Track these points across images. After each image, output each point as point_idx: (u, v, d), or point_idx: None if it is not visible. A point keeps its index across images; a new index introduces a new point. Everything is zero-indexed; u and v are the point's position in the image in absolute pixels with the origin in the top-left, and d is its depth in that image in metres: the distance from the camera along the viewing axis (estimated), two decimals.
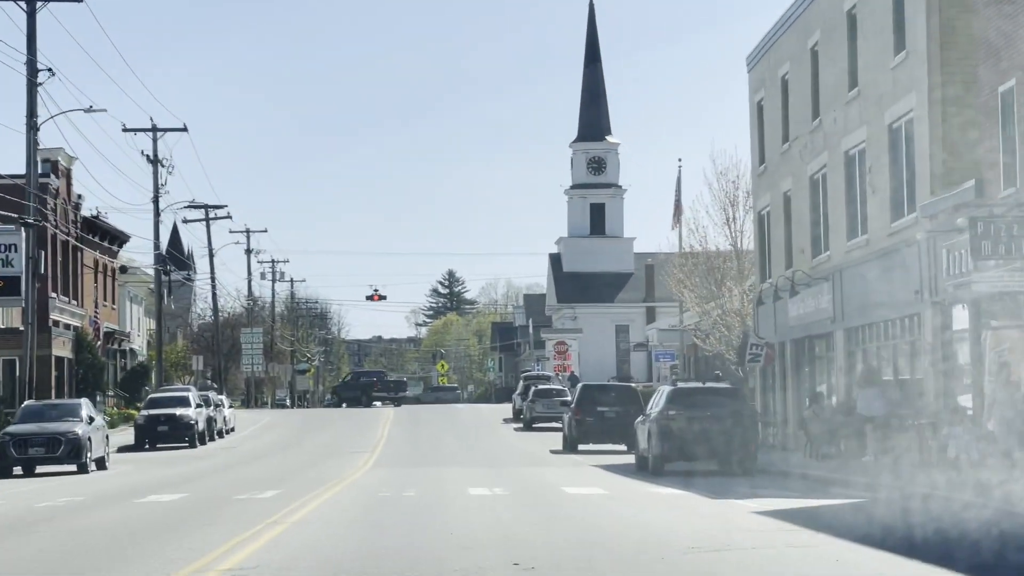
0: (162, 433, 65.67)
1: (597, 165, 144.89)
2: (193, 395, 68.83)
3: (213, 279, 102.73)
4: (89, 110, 57.85)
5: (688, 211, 64.02)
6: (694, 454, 40.80)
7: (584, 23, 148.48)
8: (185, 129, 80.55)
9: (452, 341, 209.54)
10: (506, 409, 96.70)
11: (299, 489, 34.60)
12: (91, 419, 49.23)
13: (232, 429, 79.83)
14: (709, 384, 43.49)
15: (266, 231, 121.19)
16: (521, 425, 79.69)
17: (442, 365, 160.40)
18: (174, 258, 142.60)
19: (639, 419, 44.56)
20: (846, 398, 43.63)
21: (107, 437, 51.65)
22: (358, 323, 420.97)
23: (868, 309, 43.61)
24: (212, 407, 72.68)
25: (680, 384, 42.62)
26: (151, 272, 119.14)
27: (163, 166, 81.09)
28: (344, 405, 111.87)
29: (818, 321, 48.75)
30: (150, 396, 71.04)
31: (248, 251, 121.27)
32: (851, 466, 38.77)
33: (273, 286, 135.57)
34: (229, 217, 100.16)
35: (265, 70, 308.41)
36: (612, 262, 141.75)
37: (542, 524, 24.78)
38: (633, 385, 58.57)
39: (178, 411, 65.88)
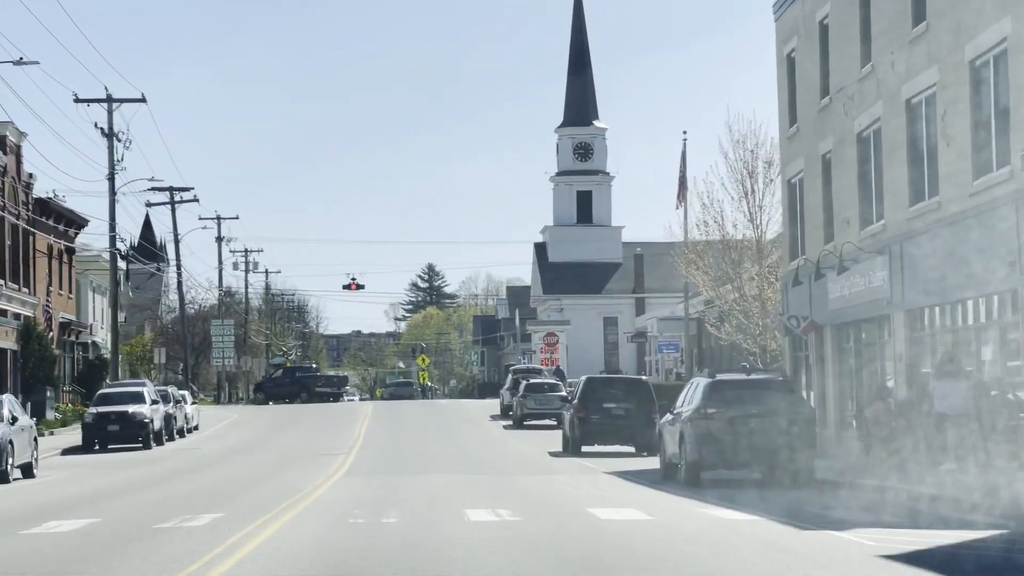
0: (113, 433, 57.43)
1: (584, 151, 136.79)
2: (149, 390, 60.46)
3: (179, 266, 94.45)
4: (19, 62, 49.60)
5: (701, 185, 55.92)
6: (738, 461, 32.69)
7: (570, 5, 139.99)
8: (143, 100, 72.22)
9: (432, 335, 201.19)
10: (492, 405, 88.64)
11: (247, 511, 26.41)
12: (13, 419, 40.81)
13: (195, 427, 71.60)
14: (755, 376, 35.18)
15: (237, 218, 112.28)
16: (511, 422, 71.58)
17: (423, 359, 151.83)
18: (145, 250, 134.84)
19: (666, 418, 36.38)
20: (917, 392, 35.44)
21: (35, 439, 43.36)
22: (338, 317, 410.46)
23: (939, 286, 35.51)
24: (172, 403, 64.45)
25: (720, 376, 34.28)
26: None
27: (119, 140, 72.75)
28: (271, 403, 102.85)
29: (869, 303, 40.66)
30: (99, 392, 62.61)
31: (219, 239, 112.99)
32: (938, 476, 30.60)
33: (247, 276, 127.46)
34: (196, 200, 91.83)
35: (237, 51, 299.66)
36: (599, 252, 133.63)
37: None
38: (644, 378, 50.40)
39: (131, 408, 57.60)
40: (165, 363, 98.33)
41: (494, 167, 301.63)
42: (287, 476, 39.15)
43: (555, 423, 69.30)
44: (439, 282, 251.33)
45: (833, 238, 43.48)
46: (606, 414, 47.82)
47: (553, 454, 49.24)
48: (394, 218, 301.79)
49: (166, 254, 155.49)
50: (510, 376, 79.27)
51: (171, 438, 63.01)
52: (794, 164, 47.24)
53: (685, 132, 64.37)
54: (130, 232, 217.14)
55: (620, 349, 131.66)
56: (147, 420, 57.42)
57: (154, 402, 59.58)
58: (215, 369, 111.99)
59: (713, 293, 56.05)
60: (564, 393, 69.87)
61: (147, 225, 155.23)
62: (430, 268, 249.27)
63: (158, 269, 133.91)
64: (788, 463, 32.07)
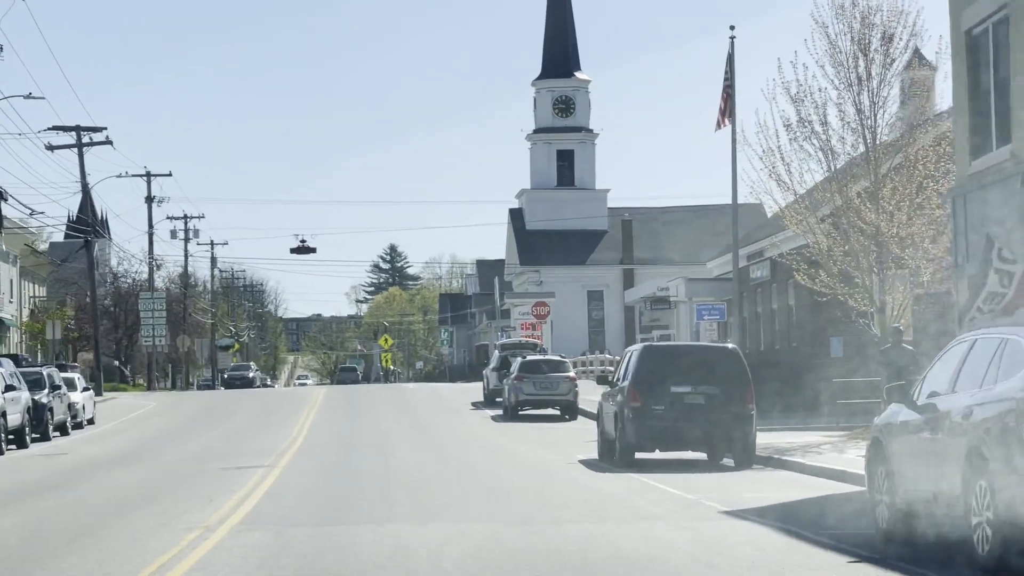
0: None
1: (564, 106, 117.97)
2: (4, 372, 41.50)
3: (92, 225, 74.89)
4: None
5: (789, 71, 36.52)
6: None
7: None
8: None
9: (395, 316, 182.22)
10: (469, 390, 70.14)
11: None
12: None
13: (89, 421, 52.68)
14: None
15: (170, 175, 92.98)
16: (500, 412, 53.04)
17: (385, 340, 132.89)
18: (85, 224, 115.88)
19: (903, 417, 17.34)
20: None
21: None
22: (298, 299, 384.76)
23: None
24: (48, 390, 45.60)
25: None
26: (30, 227, 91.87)
27: None
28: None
29: None
30: None
31: (149, 199, 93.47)
32: None
33: (186, 245, 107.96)
34: (109, 143, 72.33)
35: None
36: (583, 218, 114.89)
37: None
38: (731, 346, 31.32)
39: None
40: (60, 338, 78.94)
41: (462, 131, 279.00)
42: (140, 520, 20.51)
43: (559, 413, 50.82)
44: (402, 263, 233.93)
45: None
46: (677, 404, 29.28)
47: (591, 465, 30.74)
48: (349, 186, 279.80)
49: (108, 230, 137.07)
50: (496, 353, 60.50)
51: (45, 437, 44.36)
52: (977, 6, 28.35)
53: (733, 28, 45.16)
54: (68, 207, 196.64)
55: (607, 325, 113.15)
56: None
57: (8, 388, 40.66)
58: (145, 349, 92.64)
59: (799, 222, 36.89)
60: (572, 374, 51.24)
61: (85, 195, 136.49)
62: (392, 249, 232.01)
63: (87, 241, 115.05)
64: None
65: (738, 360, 29.94)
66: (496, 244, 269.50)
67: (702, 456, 31.34)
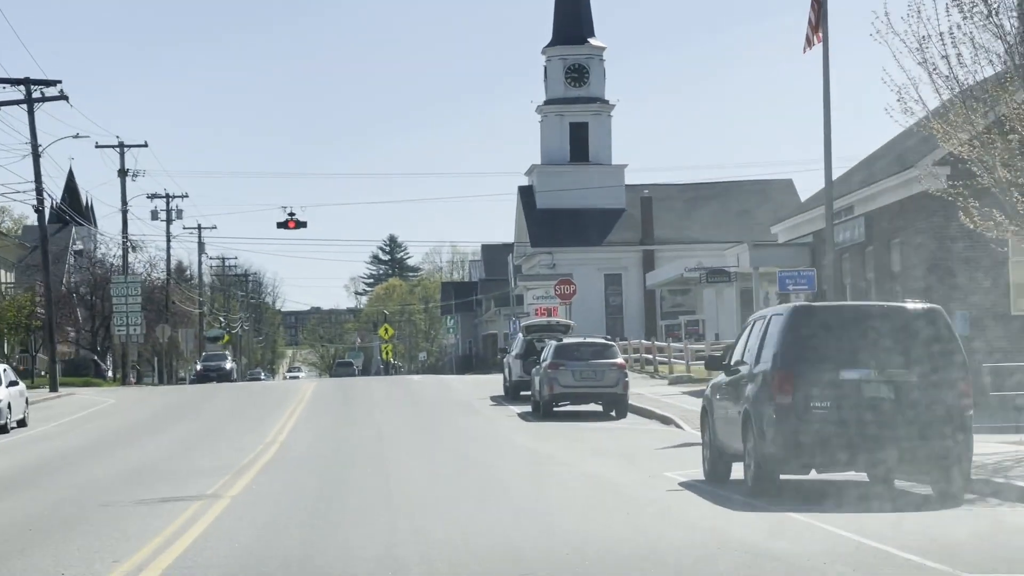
0: None
1: (577, 75, 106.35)
2: None
3: (39, 189, 63.28)
4: None
5: None
6: None
7: None
8: None
9: (397, 307, 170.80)
10: (483, 383, 58.99)
11: None
12: None
13: (20, 422, 41.34)
14: None
15: (146, 145, 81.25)
16: (530, 409, 41.71)
17: (385, 330, 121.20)
18: (39, 193, 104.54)
19: None
20: None
21: None
22: (298, 289, 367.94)
23: None
24: None
25: None
26: None
27: None
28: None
29: None
30: None
31: (123, 172, 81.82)
32: None
33: (168, 226, 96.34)
34: (64, 98, 60.63)
35: None
36: (598, 196, 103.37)
37: None
38: (931, 307, 19.37)
39: None
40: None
41: (466, 104, 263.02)
42: None
43: (601, 409, 39.63)
44: (401, 254, 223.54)
45: None
46: (850, 399, 17.99)
47: (702, 491, 19.56)
48: (345, 165, 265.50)
49: (93, 217, 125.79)
50: (520, 337, 48.95)
51: None
52: None
53: None
54: (51, 193, 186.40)
55: (626, 311, 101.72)
56: None
57: None
58: (118, 339, 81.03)
59: (963, 131, 25.22)
60: (621, 360, 39.88)
61: (70, 179, 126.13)
62: (391, 240, 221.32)
63: (38, 211, 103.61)
64: None
65: (945, 329, 18.50)
66: (501, 228, 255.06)
67: (858, 476, 20.08)
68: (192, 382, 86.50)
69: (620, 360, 39.59)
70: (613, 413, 39.43)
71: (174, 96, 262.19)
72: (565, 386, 38.99)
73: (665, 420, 37.22)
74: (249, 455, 27.89)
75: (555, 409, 39.78)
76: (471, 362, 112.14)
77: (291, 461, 26.75)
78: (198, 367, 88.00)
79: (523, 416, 40.19)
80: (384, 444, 30.69)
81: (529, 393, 43.59)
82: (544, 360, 40.19)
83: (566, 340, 40.91)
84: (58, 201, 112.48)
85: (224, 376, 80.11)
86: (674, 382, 50.49)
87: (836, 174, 36.69)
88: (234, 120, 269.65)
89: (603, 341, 40.84)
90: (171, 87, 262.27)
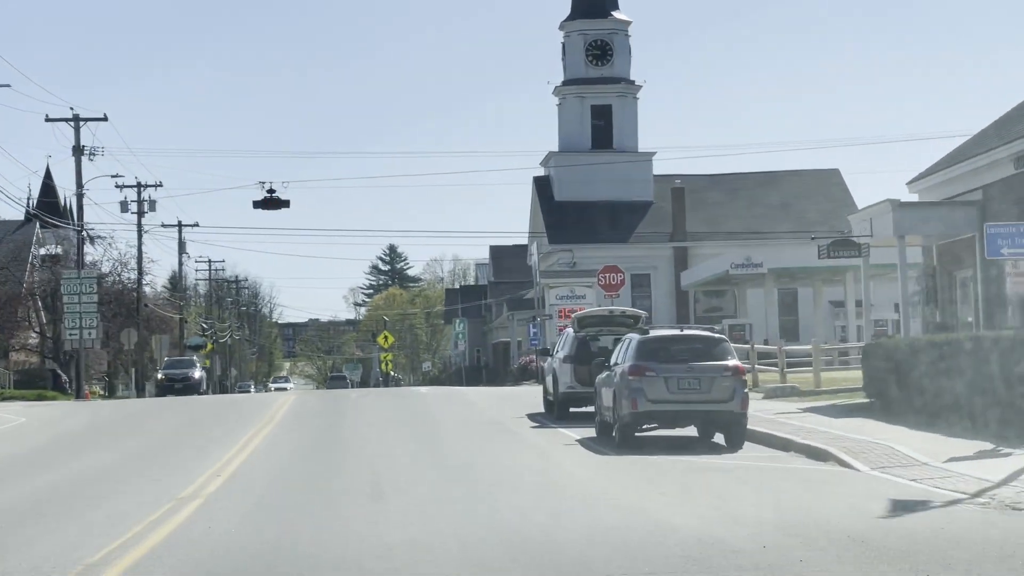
0: None
1: (600, 52, 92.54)
2: None
3: None
4: None
5: None
6: None
7: None
8: None
9: (398, 314, 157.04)
10: (510, 396, 45.12)
11: None
12: None
13: None
14: None
15: (105, 119, 68.10)
16: (591, 433, 27.83)
17: (385, 337, 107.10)
18: (45, 209, 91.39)
19: None
20: None
21: None
22: (299, 301, 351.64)
23: None
24: None
25: None
26: None
27: None
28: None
29: None
30: None
31: (78, 148, 67.93)
32: None
33: (139, 219, 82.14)
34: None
35: None
36: (623, 187, 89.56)
37: None
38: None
39: None
40: None
41: (479, 83, 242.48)
42: None
43: (697, 435, 25.73)
44: (401, 264, 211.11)
45: None
46: None
47: None
48: (322, 125, 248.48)
49: (72, 218, 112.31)
50: (569, 334, 34.71)
51: None
52: None
53: None
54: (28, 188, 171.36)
55: (655, 314, 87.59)
56: None
57: None
58: (70, 344, 66.92)
59: None
60: (736, 362, 25.87)
61: (47, 177, 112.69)
62: (392, 249, 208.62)
63: (27, 221, 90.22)
64: None
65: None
66: (511, 224, 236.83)
67: None
68: (156, 394, 72.59)
69: (735, 362, 25.59)
70: (723, 441, 25.56)
71: (178, 88, 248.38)
72: (655, 401, 25.02)
73: (814, 453, 23.45)
74: (143, 522, 14.00)
75: (641, 433, 25.91)
76: (480, 373, 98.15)
77: (207, 543, 12.89)
78: (159, 375, 74.02)
79: (587, 445, 26.37)
80: (384, 507, 16.80)
81: (583, 409, 29.74)
82: (619, 363, 26.23)
83: (654, 333, 26.81)
84: (35, 202, 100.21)
85: (191, 387, 65.90)
86: (771, 395, 36.65)
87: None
88: (217, 104, 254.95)
89: (708, 334, 26.66)
90: (177, 77, 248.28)
